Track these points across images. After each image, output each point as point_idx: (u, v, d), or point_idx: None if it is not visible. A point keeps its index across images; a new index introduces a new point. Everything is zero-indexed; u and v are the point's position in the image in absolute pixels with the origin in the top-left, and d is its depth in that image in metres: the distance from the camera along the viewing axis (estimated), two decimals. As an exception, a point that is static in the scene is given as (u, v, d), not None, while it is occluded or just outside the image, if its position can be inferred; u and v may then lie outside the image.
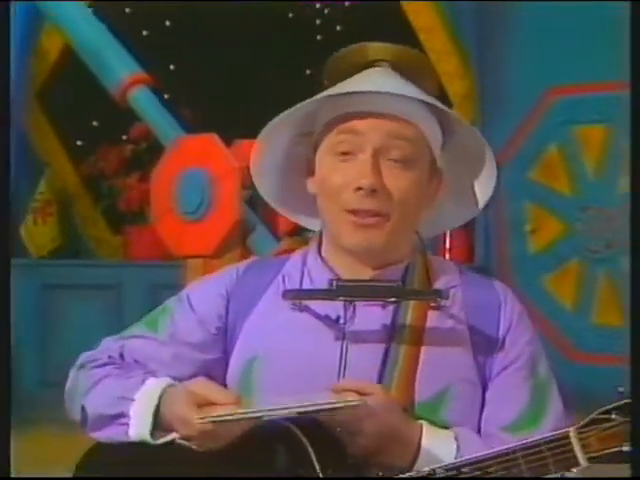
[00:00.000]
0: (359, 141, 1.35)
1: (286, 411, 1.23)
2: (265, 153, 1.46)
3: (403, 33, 5.02)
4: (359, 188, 1.33)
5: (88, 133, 5.24)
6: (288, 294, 1.40)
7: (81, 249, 5.29)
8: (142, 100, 4.37)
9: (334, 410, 1.24)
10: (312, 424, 1.25)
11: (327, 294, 1.38)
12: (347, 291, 1.37)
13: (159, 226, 4.10)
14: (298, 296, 1.40)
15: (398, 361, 1.33)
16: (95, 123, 5.17)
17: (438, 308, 1.37)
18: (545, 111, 5.23)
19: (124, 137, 5.22)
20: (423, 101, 1.37)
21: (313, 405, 1.23)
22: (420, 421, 1.30)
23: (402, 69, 1.39)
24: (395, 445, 1.26)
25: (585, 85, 5.06)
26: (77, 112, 5.19)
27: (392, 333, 1.35)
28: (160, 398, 1.33)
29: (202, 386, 1.31)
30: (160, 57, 4.98)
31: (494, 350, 1.38)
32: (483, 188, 1.46)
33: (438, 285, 1.39)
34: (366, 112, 1.35)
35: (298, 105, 1.39)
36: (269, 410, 1.23)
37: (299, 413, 1.23)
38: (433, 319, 1.36)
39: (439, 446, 1.27)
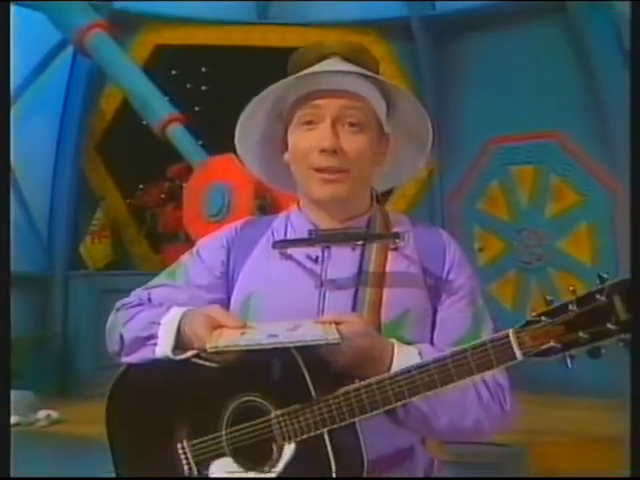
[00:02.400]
0: (320, 113, 1.31)
1: (279, 344, 1.19)
2: (246, 133, 1.41)
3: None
4: (323, 150, 1.30)
5: (135, 175, 5.26)
6: (277, 244, 1.37)
7: (128, 264, 5.32)
8: (177, 133, 4.50)
9: (318, 343, 1.20)
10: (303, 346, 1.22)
11: (308, 242, 1.35)
12: (323, 238, 1.35)
13: (190, 228, 4.16)
14: (285, 245, 1.37)
15: (366, 292, 1.30)
16: (140, 167, 5.17)
17: (396, 249, 1.34)
18: (488, 156, 5.26)
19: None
20: (368, 77, 1.34)
21: (302, 340, 1.20)
22: (391, 340, 1.26)
23: (350, 58, 1.35)
24: (372, 361, 1.22)
25: (519, 135, 5.10)
26: (127, 159, 5.20)
27: (360, 270, 1.32)
28: (181, 321, 1.31)
29: (216, 311, 1.28)
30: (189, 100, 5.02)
31: (442, 282, 1.35)
32: (422, 147, 1.42)
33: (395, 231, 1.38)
34: (324, 90, 1.32)
35: (269, 88, 1.35)
36: (266, 343, 1.19)
37: (291, 345, 1.20)
38: (392, 259, 1.33)
39: (407, 359, 1.23)
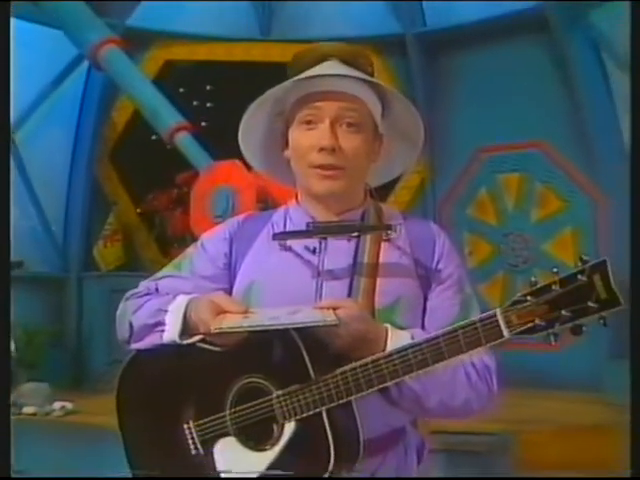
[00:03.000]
0: (319, 113, 1.31)
1: (280, 325, 1.19)
2: (249, 132, 1.41)
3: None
4: (322, 148, 1.30)
5: (145, 182, 5.27)
6: (277, 236, 1.37)
7: (139, 266, 5.31)
8: (184, 140, 4.52)
9: (317, 325, 1.20)
10: (302, 328, 1.21)
11: (306, 234, 1.34)
12: (320, 230, 1.34)
13: (196, 228, 4.16)
14: (284, 237, 1.36)
15: (361, 281, 1.30)
16: (150, 175, 5.18)
17: (388, 241, 1.34)
18: (477, 165, 5.27)
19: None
20: (364, 80, 1.34)
21: (301, 322, 1.20)
22: (385, 324, 1.26)
23: (347, 61, 1.35)
24: (367, 343, 1.22)
25: (505, 145, 5.11)
26: (137, 167, 5.21)
27: (355, 261, 1.32)
28: (187, 307, 1.31)
29: (219, 297, 1.28)
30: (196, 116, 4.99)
31: (432, 271, 1.35)
32: (414, 145, 1.42)
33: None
34: (323, 91, 1.32)
35: (271, 90, 1.35)
36: (268, 325, 1.20)
37: (292, 327, 1.20)
38: (385, 250, 1.33)
39: (400, 341, 1.22)
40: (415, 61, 5.21)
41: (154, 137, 4.89)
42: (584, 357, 4.63)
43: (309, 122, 1.32)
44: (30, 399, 3.64)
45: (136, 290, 1.43)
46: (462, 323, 1.14)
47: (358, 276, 1.31)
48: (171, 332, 1.30)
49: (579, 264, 1.07)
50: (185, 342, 1.29)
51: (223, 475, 1.27)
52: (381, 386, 1.19)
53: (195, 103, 5.02)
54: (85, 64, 5.08)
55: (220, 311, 1.24)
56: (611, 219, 4.61)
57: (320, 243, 1.34)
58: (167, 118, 4.54)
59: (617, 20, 4.57)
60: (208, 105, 5.03)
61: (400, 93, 1.38)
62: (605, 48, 4.76)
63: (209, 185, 4.23)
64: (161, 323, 1.32)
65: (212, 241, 1.44)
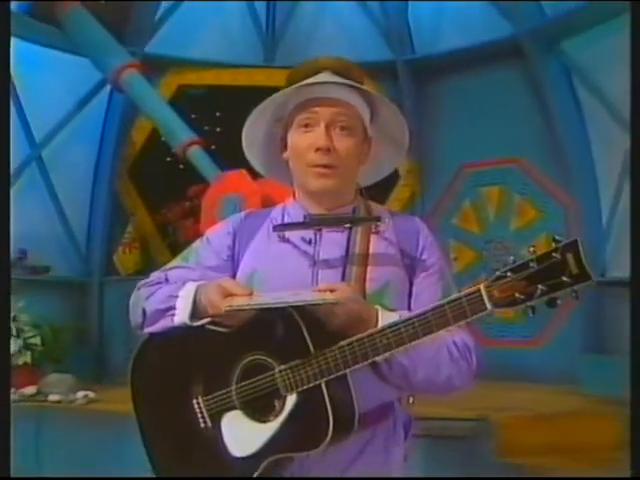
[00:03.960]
0: (316, 118, 1.33)
1: (285, 303, 1.20)
2: (252, 134, 1.42)
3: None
4: (318, 149, 1.31)
5: (161, 195, 5.27)
6: (277, 227, 1.38)
7: (155, 271, 5.28)
8: (196, 154, 4.56)
9: (317, 304, 1.21)
10: (302, 308, 1.22)
11: (303, 225, 1.35)
12: (317, 221, 1.35)
13: None
14: (284, 228, 1.37)
15: (353, 269, 1.31)
16: (165, 189, 5.19)
17: (377, 233, 1.36)
18: (461, 179, 5.28)
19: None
20: (355, 88, 1.35)
21: (304, 301, 1.21)
22: (376, 306, 1.27)
23: (339, 72, 1.36)
24: (360, 322, 1.23)
25: (486, 161, 5.12)
26: (154, 182, 5.22)
27: (348, 250, 1.33)
28: (196, 292, 1.31)
29: (227, 281, 1.29)
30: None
31: (416, 260, 1.36)
32: (400, 148, 1.43)
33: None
34: (319, 98, 1.33)
35: (271, 97, 1.37)
36: (273, 303, 1.20)
37: (295, 304, 1.21)
38: (374, 241, 1.34)
39: (389, 321, 1.22)
40: (405, 85, 5.24)
41: (169, 159, 4.92)
42: (559, 353, 4.65)
43: (306, 125, 1.34)
44: (55, 388, 3.65)
45: (147, 280, 1.42)
46: (449, 298, 1.15)
47: (350, 264, 1.32)
48: (181, 315, 1.30)
49: (553, 244, 1.08)
50: (195, 324, 1.30)
51: (232, 449, 1.26)
52: (376, 358, 1.20)
53: (206, 128, 5.02)
54: (107, 89, 5.12)
55: (228, 294, 1.25)
56: (581, 225, 4.64)
57: (315, 235, 1.35)
58: (180, 134, 4.60)
59: (586, 48, 4.64)
60: (218, 130, 5.02)
61: (387, 99, 1.40)
62: (575, 73, 4.80)
63: (218, 194, 4.26)
64: (172, 308, 1.32)
65: (216, 235, 1.44)
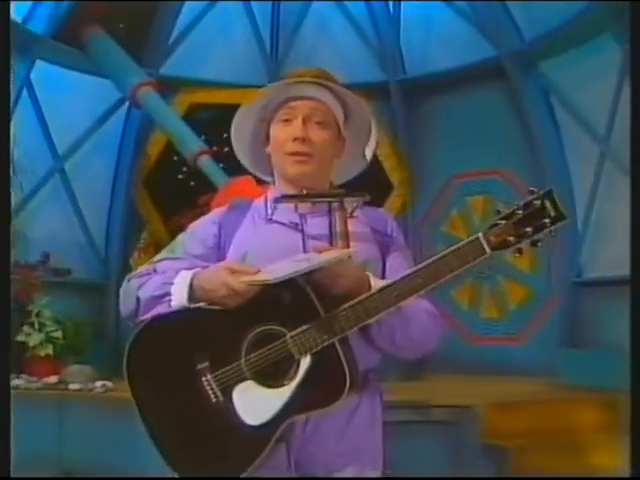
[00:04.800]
0: (294, 112, 1.36)
1: (312, 267, 1.18)
2: (239, 133, 1.44)
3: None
4: (295, 138, 1.35)
5: (173, 204, 5.27)
6: (278, 199, 1.37)
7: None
8: (205, 162, 4.59)
9: (336, 260, 1.20)
10: (308, 275, 1.21)
11: (302, 197, 1.36)
12: (315, 195, 1.36)
13: None
14: (283, 200, 1.37)
15: (338, 244, 1.33)
16: (177, 198, 5.20)
17: (352, 217, 1.37)
18: (449, 190, 5.30)
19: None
20: (328, 88, 1.38)
21: (327, 260, 1.20)
22: (367, 272, 1.30)
23: (318, 77, 1.39)
24: (359, 285, 1.25)
25: (472, 173, 5.17)
26: (167, 192, 5.22)
27: (330, 230, 1.34)
28: (192, 278, 1.29)
29: (232, 263, 1.28)
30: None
31: (386, 241, 1.40)
32: (369, 149, 1.46)
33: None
34: (298, 96, 1.37)
35: (255, 98, 1.40)
36: (303, 269, 1.18)
37: (312, 269, 1.18)
38: (351, 223, 1.35)
39: (379, 284, 1.25)
40: (397, 104, 5.26)
41: (181, 176, 4.94)
42: (539, 348, 4.67)
43: (286, 120, 1.37)
44: (76, 378, 3.66)
45: (136, 272, 1.40)
46: (452, 247, 1.19)
47: (335, 242, 1.33)
48: (179, 300, 1.29)
49: (530, 195, 1.17)
50: (193, 306, 1.28)
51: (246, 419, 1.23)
52: (389, 309, 1.21)
53: (214, 148, 4.97)
54: (124, 107, 5.15)
55: (235, 272, 1.24)
56: (558, 230, 4.66)
57: (300, 219, 1.37)
58: (192, 144, 4.65)
59: (562, 69, 4.70)
60: (225, 149, 5.03)
61: (357, 96, 1.42)
62: (553, 92, 4.86)
63: (226, 198, 4.28)
64: (168, 294, 1.30)
65: (201, 225, 1.43)
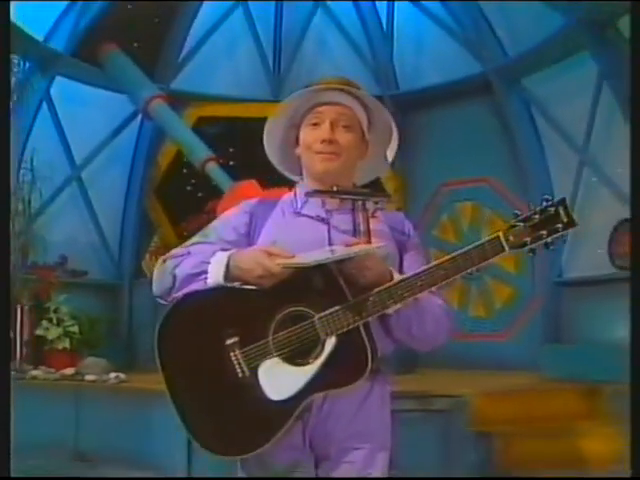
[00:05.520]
0: (322, 117, 1.37)
1: (342, 256, 1.19)
2: (271, 136, 1.45)
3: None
4: (324, 140, 1.36)
5: (182, 210, 5.28)
6: (309, 194, 1.37)
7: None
8: (213, 168, 4.63)
9: (365, 253, 1.20)
10: (338, 263, 1.22)
11: (333, 193, 1.35)
12: (344, 192, 1.36)
13: None
14: (316, 194, 1.37)
15: (361, 240, 1.32)
16: (186, 204, 5.22)
17: (373, 217, 1.37)
18: (440, 197, 5.33)
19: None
20: (354, 96, 1.39)
21: (359, 251, 1.20)
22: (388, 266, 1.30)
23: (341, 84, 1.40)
24: (383, 276, 1.26)
25: (461, 181, 5.20)
26: (176, 199, 5.24)
27: (354, 226, 1.34)
28: (228, 258, 1.30)
29: (270, 247, 1.28)
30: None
31: (403, 240, 1.41)
32: (390, 153, 1.46)
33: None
34: (325, 102, 1.38)
35: (286, 103, 1.41)
36: (339, 255, 1.19)
37: (344, 258, 1.19)
38: (372, 222, 1.35)
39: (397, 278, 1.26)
40: (391, 117, 5.32)
41: (189, 188, 4.97)
42: (524, 344, 4.68)
43: (314, 124, 1.38)
44: (91, 370, 3.68)
45: (170, 254, 1.39)
46: (473, 245, 1.22)
47: (358, 237, 1.33)
48: (215, 278, 1.29)
49: (544, 203, 1.20)
50: (229, 285, 1.28)
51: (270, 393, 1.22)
52: (413, 296, 1.22)
53: (220, 161, 5.01)
54: (137, 120, 5.20)
55: (270, 255, 1.25)
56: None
57: (327, 214, 1.37)
58: (200, 152, 4.70)
59: (543, 84, 4.76)
60: (231, 163, 5.01)
61: (380, 104, 1.43)
62: (534, 105, 4.91)
63: (231, 202, 4.29)
64: (204, 272, 1.30)
65: (234, 214, 1.44)
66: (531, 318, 4.82)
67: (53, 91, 4.81)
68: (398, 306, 1.24)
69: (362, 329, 1.22)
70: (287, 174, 1.52)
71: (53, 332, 3.81)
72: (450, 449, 3.02)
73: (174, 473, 2.90)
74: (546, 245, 1.20)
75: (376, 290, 1.23)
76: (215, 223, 1.44)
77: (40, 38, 4.57)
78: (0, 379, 1.31)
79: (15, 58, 4.19)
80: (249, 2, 5.32)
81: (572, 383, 3.59)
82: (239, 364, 1.25)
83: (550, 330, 4.66)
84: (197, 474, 2.81)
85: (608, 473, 2.83)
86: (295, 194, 1.44)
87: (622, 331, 3.82)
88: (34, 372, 3.61)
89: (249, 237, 1.40)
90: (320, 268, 1.20)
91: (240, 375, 1.24)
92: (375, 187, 1.48)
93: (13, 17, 3.92)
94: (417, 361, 4.56)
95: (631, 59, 1.44)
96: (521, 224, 1.20)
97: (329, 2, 5.41)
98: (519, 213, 1.20)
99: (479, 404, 3.14)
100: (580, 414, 3.29)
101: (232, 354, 1.25)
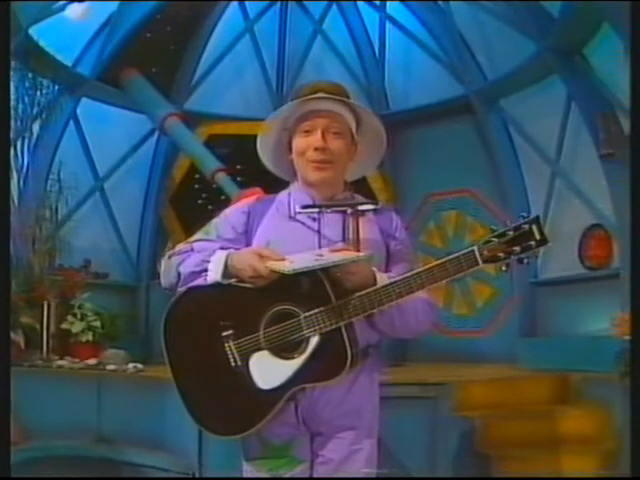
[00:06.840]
0: (314, 124, 1.33)
1: (331, 263, 1.15)
2: (265, 141, 1.40)
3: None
4: (316, 148, 1.32)
5: (193, 217, 5.25)
6: (304, 207, 1.33)
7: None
8: (222, 179, 4.65)
9: (352, 261, 1.18)
10: (325, 268, 1.19)
11: (325, 207, 1.33)
12: (333, 205, 1.34)
13: None
14: (309, 208, 1.34)
15: (349, 239, 1.31)
16: (196, 212, 5.19)
17: (363, 216, 1.34)
18: (427, 206, 5.32)
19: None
20: (343, 102, 1.35)
21: (344, 259, 1.17)
22: (373, 268, 1.28)
23: (331, 92, 1.35)
24: (367, 280, 1.24)
25: (446, 192, 5.20)
26: (188, 207, 5.17)
27: (344, 229, 1.33)
28: (226, 258, 1.28)
29: (263, 249, 1.26)
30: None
31: (391, 236, 1.37)
32: (379, 151, 1.42)
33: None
34: (316, 109, 1.33)
35: (279, 110, 1.36)
36: (316, 265, 1.16)
37: (330, 265, 1.16)
38: (361, 222, 1.33)
39: (383, 280, 1.24)
40: (382, 134, 5.34)
41: (200, 201, 4.96)
42: (503, 339, 4.67)
43: (307, 131, 1.34)
44: (112, 360, 3.68)
45: (175, 250, 1.38)
46: (449, 257, 1.17)
47: (347, 241, 1.31)
48: (214, 276, 1.28)
49: (520, 219, 1.16)
50: (225, 282, 1.27)
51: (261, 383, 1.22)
52: (388, 304, 1.19)
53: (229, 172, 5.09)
54: (154, 137, 5.20)
55: (261, 257, 1.22)
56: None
57: (319, 214, 1.34)
58: (210, 163, 4.71)
59: (519, 104, 4.79)
60: (238, 179, 5.00)
61: (369, 110, 1.40)
62: (511, 124, 4.94)
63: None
64: (205, 270, 1.29)
65: (233, 212, 1.41)
66: (510, 315, 4.83)
67: (79, 111, 4.85)
68: (377, 310, 1.22)
69: (344, 329, 1.21)
70: (280, 176, 1.48)
71: (77, 326, 3.82)
72: (436, 431, 3.02)
73: (186, 453, 2.89)
74: (519, 260, 1.15)
75: (357, 295, 1.21)
76: (216, 221, 1.41)
77: (69, 63, 4.62)
78: (0, 379, 1.27)
79: (46, 81, 4.22)
80: (255, 30, 5.37)
81: (546, 372, 3.60)
82: (232, 354, 1.25)
83: (527, 326, 4.66)
84: (206, 454, 2.81)
85: (578, 454, 2.81)
86: (289, 194, 1.40)
87: (591, 325, 3.88)
88: (60, 362, 3.62)
89: (247, 235, 1.37)
90: (308, 270, 1.17)
91: (233, 364, 1.25)
92: (364, 190, 1.47)
93: (44, 45, 4.05)
94: (406, 355, 4.56)
95: (631, 59, 1.36)
96: (495, 240, 1.15)
97: (327, 30, 5.44)
98: (495, 229, 1.16)
99: (463, 391, 3.15)
100: (552, 399, 3.31)
101: (226, 345, 1.25)
